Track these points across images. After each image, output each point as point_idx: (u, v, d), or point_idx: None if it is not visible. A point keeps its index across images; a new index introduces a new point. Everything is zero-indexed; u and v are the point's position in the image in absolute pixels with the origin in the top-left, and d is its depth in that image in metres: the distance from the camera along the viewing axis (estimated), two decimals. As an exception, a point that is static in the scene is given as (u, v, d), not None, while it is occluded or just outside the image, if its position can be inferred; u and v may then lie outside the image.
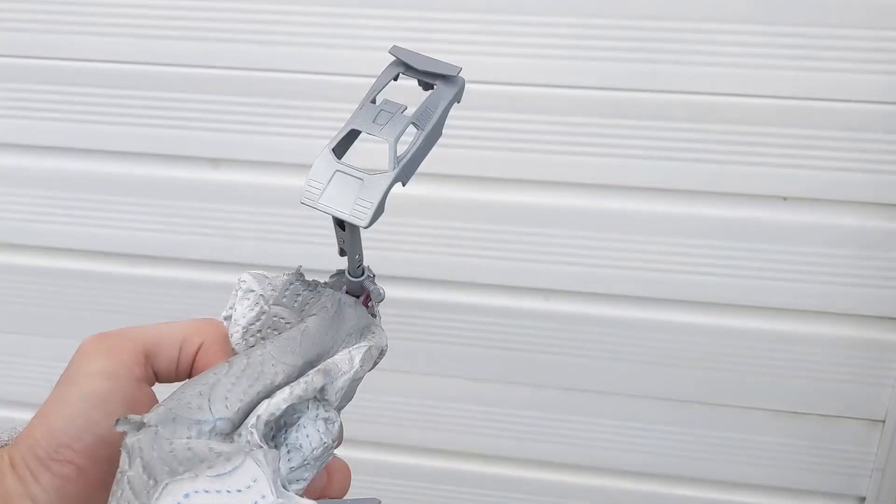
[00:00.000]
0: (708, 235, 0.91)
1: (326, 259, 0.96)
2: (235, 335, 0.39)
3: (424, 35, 0.87)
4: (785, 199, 0.89)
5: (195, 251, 1.00)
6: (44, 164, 0.99)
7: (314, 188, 0.37)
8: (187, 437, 0.31)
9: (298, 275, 0.40)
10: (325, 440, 0.35)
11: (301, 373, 0.36)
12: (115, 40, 0.93)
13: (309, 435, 0.35)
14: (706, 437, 1.00)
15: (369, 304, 0.42)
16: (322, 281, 0.41)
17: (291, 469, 0.34)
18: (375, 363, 0.40)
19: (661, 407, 0.99)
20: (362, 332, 0.40)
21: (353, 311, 0.40)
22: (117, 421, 0.31)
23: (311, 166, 0.37)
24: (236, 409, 0.33)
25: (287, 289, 0.39)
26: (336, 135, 0.37)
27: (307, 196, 0.37)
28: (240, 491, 0.30)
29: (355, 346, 0.38)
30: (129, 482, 0.30)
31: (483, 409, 1.03)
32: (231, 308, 0.39)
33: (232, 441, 0.32)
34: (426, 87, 0.39)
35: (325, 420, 0.36)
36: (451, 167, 0.92)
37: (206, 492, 0.30)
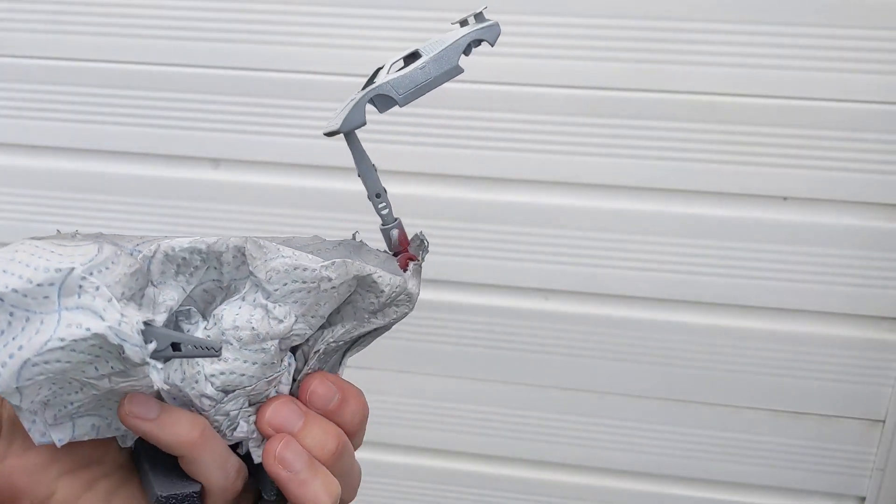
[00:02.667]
0: (708, 235, 0.91)
1: (326, 259, 0.96)
2: None
3: (424, 35, 0.86)
4: (785, 199, 0.89)
5: (195, 251, 1.00)
6: (44, 164, 0.99)
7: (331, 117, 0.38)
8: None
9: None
10: (256, 327, 0.34)
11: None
12: (115, 40, 0.93)
13: (237, 313, 0.34)
14: (706, 437, 1.00)
15: (408, 264, 0.39)
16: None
17: (207, 337, 0.34)
18: (398, 308, 0.38)
19: (661, 407, 0.99)
20: None
21: (372, 255, 0.39)
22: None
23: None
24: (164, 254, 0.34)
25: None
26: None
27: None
28: (52, 252, 0.31)
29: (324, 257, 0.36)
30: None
31: (483, 409, 1.03)
32: None
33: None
34: (462, 23, 0.40)
35: (265, 309, 0.34)
36: (452, 167, 0.92)
37: (37, 246, 0.31)
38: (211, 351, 0.32)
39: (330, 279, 0.35)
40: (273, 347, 0.34)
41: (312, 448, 0.35)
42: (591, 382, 0.99)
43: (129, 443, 0.36)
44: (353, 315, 0.38)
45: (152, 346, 0.31)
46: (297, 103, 0.91)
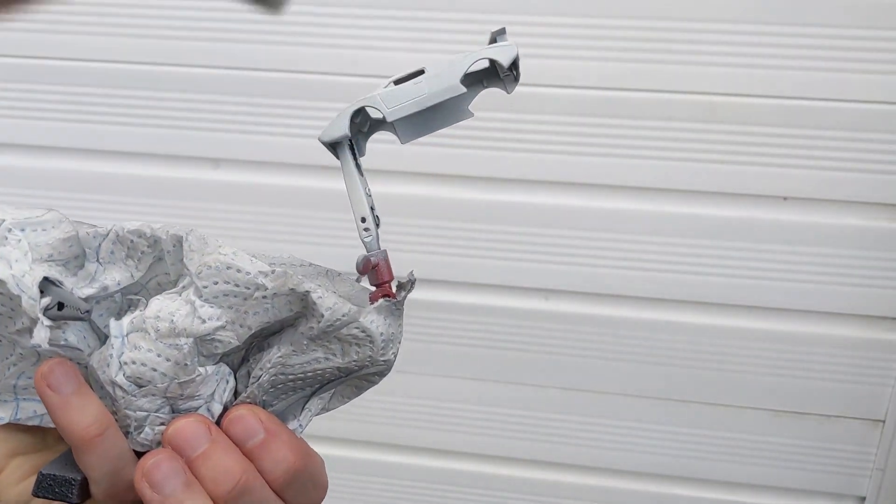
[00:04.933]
0: (708, 235, 0.91)
1: (324, 259, 0.96)
2: None
3: (424, 35, 0.87)
4: (785, 199, 0.89)
5: (195, 251, 1.00)
6: (44, 164, 0.99)
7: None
8: None
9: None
10: (174, 320, 0.32)
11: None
12: (115, 40, 0.93)
13: (161, 302, 0.33)
14: (706, 437, 1.00)
15: (379, 298, 0.36)
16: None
17: (131, 323, 0.33)
18: (322, 330, 0.34)
19: (661, 407, 0.99)
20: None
21: (348, 285, 0.37)
22: None
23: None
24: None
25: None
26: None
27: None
28: (9, 210, 0.34)
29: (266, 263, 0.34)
30: None
31: (483, 409, 1.03)
32: None
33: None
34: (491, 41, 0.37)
35: (193, 307, 0.33)
36: (452, 167, 0.92)
37: None
38: (80, 313, 0.31)
39: (265, 287, 0.32)
40: (187, 346, 0.32)
41: (203, 478, 0.31)
42: (591, 382, 0.99)
43: None
44: (291, 339, 0.34)
45: (45, 301, 0.30)
46: (297, 103, 0.91)
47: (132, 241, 0.34)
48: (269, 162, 0.95)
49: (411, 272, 0.36)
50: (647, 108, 0.87)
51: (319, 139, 0.35)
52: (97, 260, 0.34)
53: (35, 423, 0.35)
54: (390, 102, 0.35)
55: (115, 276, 0.34)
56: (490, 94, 0.94)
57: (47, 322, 0.31)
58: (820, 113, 0.85)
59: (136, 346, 0.32)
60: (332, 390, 0.37)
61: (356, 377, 0.36)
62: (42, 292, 0.31)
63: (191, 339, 0.32)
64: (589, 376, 0.99)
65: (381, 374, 0.36)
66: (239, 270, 0.32)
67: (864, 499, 1.00)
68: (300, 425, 0.36)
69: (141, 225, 0.34)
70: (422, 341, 1.00)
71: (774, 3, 0.82)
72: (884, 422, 0.96)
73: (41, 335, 0.31)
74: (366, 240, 0.36)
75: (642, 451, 1.02)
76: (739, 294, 0.93)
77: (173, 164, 0.97)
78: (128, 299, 0.35)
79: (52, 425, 0.34)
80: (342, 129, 0.35)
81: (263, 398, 0.35)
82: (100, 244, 0.34)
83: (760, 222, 0.90)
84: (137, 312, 0.33)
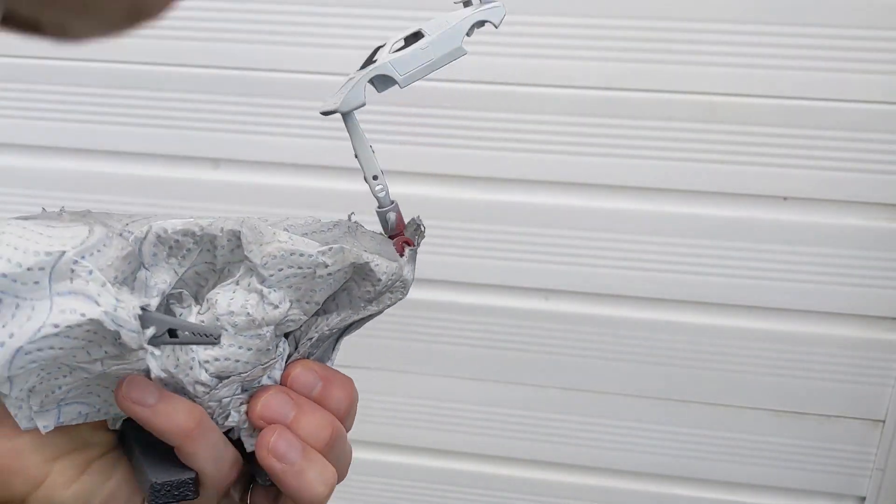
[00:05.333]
0: (708, 235, 0.91)
1: (326, 259, 0.96)
2: None
3: (424, 35, 0.87)
4: (785, 199, 0.89)
5: (195, 251, 1.00)
6: (44, 164, 0.99)
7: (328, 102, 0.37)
8: None
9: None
10: (251, 312, 0.33)
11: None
12: (115, 40, 0.93)
13: (232, 298, 0.33)
14: (706, 437, 1.00)
15: (404, 249, 0.38)
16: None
17: (201, 322, 0.33)
18: (379, 292, 0.36)
19: (661, 407, 0.99)
20: None
21: (368, 238, 0.38)
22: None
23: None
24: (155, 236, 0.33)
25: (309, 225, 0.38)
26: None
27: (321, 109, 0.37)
28: (41, 234, 0.29)
29: (321, 242, 0.35)
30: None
31: (483, 409, 1.03)
32: None
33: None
34: (465, 4, 0.39)
35: (260, 294, 0.33)
36: (452, 167, 0.92)
37: (24, 227, 0.29)
38: (210, 339, 0.31)
39: (326, 265, 0.34)
40: (269, 333, 0.34)
41: (307, 438, 0.34)
42: (591, 382, 0.99)
43: (118, 425, 0.35)
44: (349, 303, 0.37)
45: (150, 331, 0.30)
46: (297, 103, 0.91)
47: (176, 241, 0.34)
48: (269, 162, 0.95)
49: (417, 216, 0.39)
50: (647, 108, 0.87)
51: (339, 110, 0.36)
52: (143, 266, 0.33)
53: (80, 421, 0.34)
54: (402, 69, 0.37)
55: (163, 278, 0.34)
56: (491, 94, 0.94)
57: (158, 352, 0.32)
58: (820, 113, 0.85)
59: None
60: (354, 328, 0.39)
61: (377, 314, 0.39)
62: (141, 321, 0.30)
63: (272, 327, 0.33)
64: (589, 376, 0.99)
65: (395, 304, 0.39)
66: (301, 255, 0.33)
67: (864, 499, 1.00)
68: (332, 362, 0.38)
69: (187, 223, 0.33)
70: (422, 341, 1.00)
71: (774, 3, 0.82)
72: (884, 422, 0.96)
73: (154, 364, 0.32)
74: (380, 195, 0.38)
75: (642, 451, 1.02)
76: (739, 294, 0.93)
77: (173, 164, 0.97)
78: (166, 295, 0.35)
79: (96, 419, 0.34)
80: (360, 98, 0.36)
81: (309, 351, 0.37)
82: (140, 248, 0.33)
83: (760, 222, 0.90)
84: (206, 310, 0.33)
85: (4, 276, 0.28)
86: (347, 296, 0.37)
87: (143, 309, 0.30)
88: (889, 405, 0.95)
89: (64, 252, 0.29)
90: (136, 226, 0.33)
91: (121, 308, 0.29)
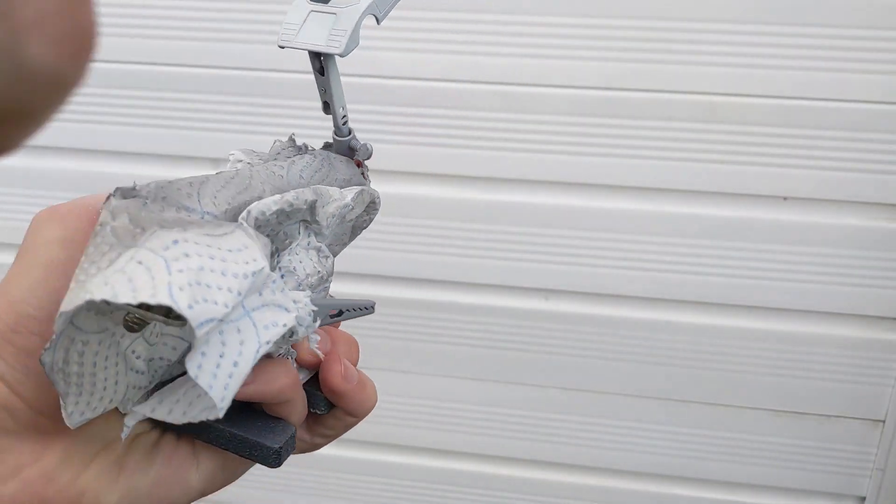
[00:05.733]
0: (708, 235, 0.91)
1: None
2: None
3: (424, 35, 0.87)
4: (785, 199, 0.89)
5: (195, 251, 1.00)
6: (43, 164, 0.99)
7: (289, 30, 0.37)
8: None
9: (290, 140, 0.40)
10: (319, 269, 0.35)
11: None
12: (115, 40, 0.93)
13: (302, 261, 0.35)
14: (706, 437, 1.00)
15: (361, 168, 0.41)
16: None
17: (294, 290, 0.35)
18: (369, 215, 0.40)
19: (661, 407, 0.99)
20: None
21: (343, 165, 0.40)
22: (110, 195, 0.30)
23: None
24: (224, 209, 0.31)
25: (279, 152, 0.39)
26: None
27: (283, 39, 0.36)
28: (230, 251, 0.28)
29: (347, 189, 0.38)
30: (112, 231, 0.28)
31: (483, 409, 1.03)
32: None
33: None
34: None
35: (318, 250, 0.36)
36: (452, 167, 0.92)
37: (197, 244, 0.27)
38: (367, 310, 0.36)
39: (354, 208, 0.38)
40: (330, 282, 0.37)
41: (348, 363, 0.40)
42: (591, 382, 0.99)
43: (130, 407, 0.33)
44: (352, 233, 0.41)
45: (317, 322, 0.32)
46: (297, 103, 0.91)
47: (276, 221, 0.34)
48: (269, 162, 0.94)
49: (366, 144, 0.41)
50: (647, 108, 0.87)
51: (339, 54, 0.36)
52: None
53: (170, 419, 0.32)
54: (381, 8, 0.37)
55: (282, 259, 0.36)
56: (491, 94, 0.94)
57: (317, 337, 0.36)
58: (820, 113, 0.85)
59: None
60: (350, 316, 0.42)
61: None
62: (314, 315, 0.33)
63: (332, 276, 0.37)
64: (589, 376, 0.99)
65: None
66: (346, 206, 0.37)
67: (864, 499, 1.00)
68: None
69: (280, 203, 0.33)
70: (422, 341, 1.00)
71: (774, 3, 0.82)
72: (884, 422, 0.96)
73: (314, 345, 0.36)
74: (344, 126, 0.40)
75: (642, 451, 1.02)
76: (739, 294, 0.93)
77: (173, 164, 0.97)
78: None
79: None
80: (357, 41, 0.36)
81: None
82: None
83: (760, 222, 0.90)
84: (290, 279, 0.35)
85: (227, 306, 0.27)
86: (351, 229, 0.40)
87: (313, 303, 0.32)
88: (889, 405, 0.95)
89: (263, 268, 0.28)
90: (223, 208, 0.32)
91: (300, 308, 0.31)
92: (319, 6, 0.37)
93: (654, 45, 0.85)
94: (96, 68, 0.98)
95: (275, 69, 0.91)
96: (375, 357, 1.01)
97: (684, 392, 0.98)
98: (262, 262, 0.29)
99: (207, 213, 0.31)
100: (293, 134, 0.41)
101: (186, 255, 0.27)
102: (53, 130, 0.97)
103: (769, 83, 0.84)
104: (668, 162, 0.88)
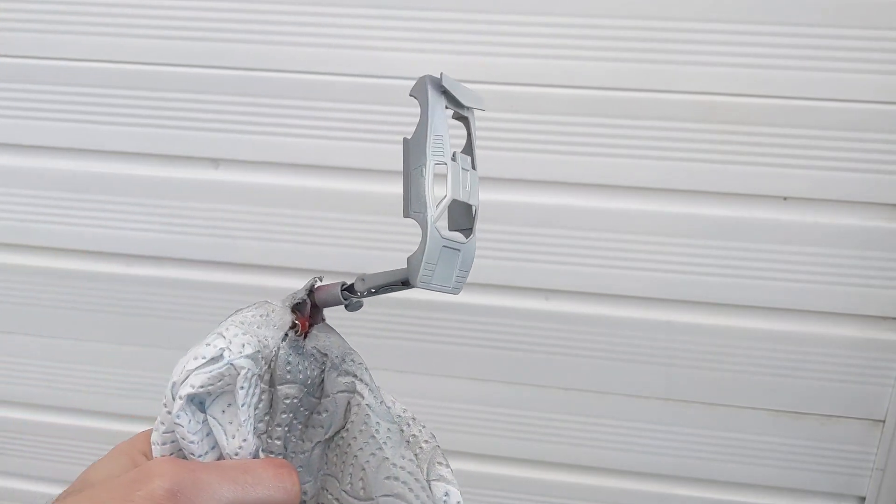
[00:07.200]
0: (708, 235, 0.91)
1: (325, 259, 0.96)
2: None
3: (424, 35, 0.87)
4: (785, 199, 0.89)
5: (195, 251, 1.00)
6: (43, 164, 0.99)
7: (429, 271, 0.39)
8: None
9: (289, 342, 0.42)
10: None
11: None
12: (115, 40, 0.93)
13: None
14: (706, 437, 1.00)
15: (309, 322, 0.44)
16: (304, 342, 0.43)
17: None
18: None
19: (661, 407, 0.99)
20: (343, 358, 0.45)
21: (326, 336, 0.44)
22: None
23: (425, 246, 0.38)
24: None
25: (283, 365, 0.42)
26: (438, 208, 0.38)
27: (423, 280, 0.39)
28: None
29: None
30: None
31: (484, 409, 1.03)
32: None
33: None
34: (459, 117, 0.40)
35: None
36: (451, 167, 0.92)
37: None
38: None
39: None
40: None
41: None
42: (591, 382, 0.99)
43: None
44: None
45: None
46: (297, 103, 0.91)
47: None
48: (269, 162, 0.95)
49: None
50: (647, 108, 0.87)
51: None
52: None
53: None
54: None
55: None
56: (491, 95, 0.94)
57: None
58: (820, 113, 0.85)
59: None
60: None
61: None
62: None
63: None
64: (589, 376, 0.99)
65: None
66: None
67: (863, 499, 1.00)
68: None
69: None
70: (422, 341, 1.00)
71: (774, 3, 0.82)
72: (884, 422, 0.96)
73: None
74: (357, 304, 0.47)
75: (642, 451, 1.02)
76: (739, 294, 0.93)
77: (173, 164, 0.97)
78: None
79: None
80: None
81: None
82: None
83: (760, 222, 0.90)
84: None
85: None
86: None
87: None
88: (889, 405, 0.95)
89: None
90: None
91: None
92: (449, 242, 0.39)
93: (654, 45, 0.85)
94: (96, 68, 0.99)
95: (275, 69, 0.91)
96: (375, 357, 1.00)
97: (684, 392, 0.98)
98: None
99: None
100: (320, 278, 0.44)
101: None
102: (53, 130, 0.97)
103: (769, 83, 0.84)
104: (668, 162, 0.88)
